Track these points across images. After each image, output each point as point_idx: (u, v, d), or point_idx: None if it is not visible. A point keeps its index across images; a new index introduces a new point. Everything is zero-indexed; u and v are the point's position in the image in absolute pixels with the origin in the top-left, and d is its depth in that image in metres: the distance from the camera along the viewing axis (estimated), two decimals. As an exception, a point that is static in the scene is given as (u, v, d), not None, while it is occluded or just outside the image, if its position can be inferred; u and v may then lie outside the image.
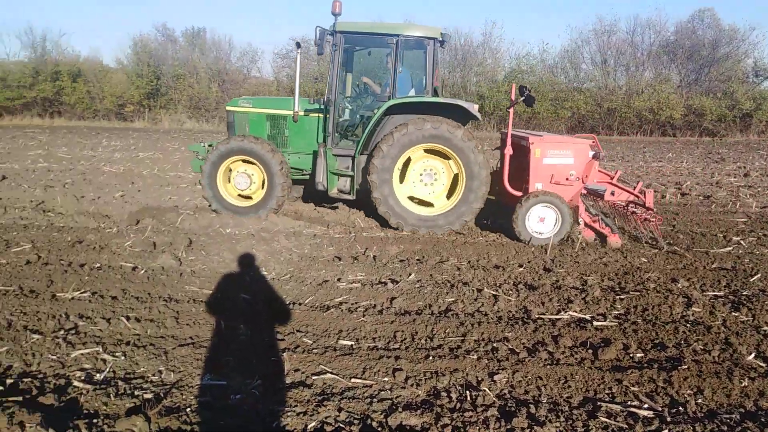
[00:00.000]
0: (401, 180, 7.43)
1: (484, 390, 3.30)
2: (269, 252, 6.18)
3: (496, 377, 3.46)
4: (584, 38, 31.06)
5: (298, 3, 67.09)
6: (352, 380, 3.43)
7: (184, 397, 3.20)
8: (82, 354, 3.68)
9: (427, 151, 7.37)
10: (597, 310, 4.65)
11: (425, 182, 7.48)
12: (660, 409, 3.14)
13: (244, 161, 7.67)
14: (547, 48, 34.21)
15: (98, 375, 3.43)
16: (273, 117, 8.07)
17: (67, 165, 13.05)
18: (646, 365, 3.68)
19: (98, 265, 5.58)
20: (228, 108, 8.48)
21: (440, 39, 7.60)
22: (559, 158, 6.96)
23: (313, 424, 2.95)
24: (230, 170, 7.75)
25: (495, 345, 3.95)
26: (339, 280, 5.38)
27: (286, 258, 6.05)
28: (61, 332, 4.00)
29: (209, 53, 30.01)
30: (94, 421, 2.89)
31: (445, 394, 3.28)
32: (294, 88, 7.64)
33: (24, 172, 11.73)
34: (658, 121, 27.65)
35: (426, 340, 4.05)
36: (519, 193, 7.15)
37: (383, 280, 5.35)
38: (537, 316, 4.51)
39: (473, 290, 5.05)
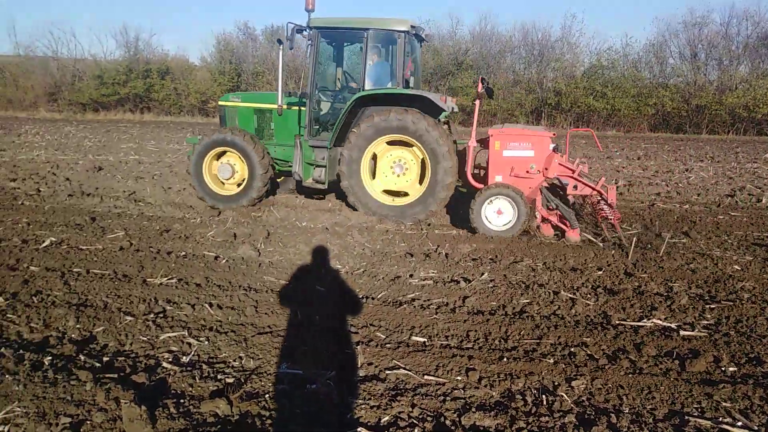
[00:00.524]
0: (373, 176, 7.67)
1: (561, 395, 3.20)
2: (343, 246, 6.28)
3: (573, 383, 3.34)
4: (672, 31, 29.41)
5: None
6: (425, 377, 3.43)
7: (262, 383, 3.32)
8: (169, 337, 3.90)
9: (395, 142, 7.49)
10: (684, 318, 4.39)
11: (397, 173, 7.67)
12: (756, 428, 2.92)
13: (230, 153, 8.07)
14: (630, 42, 32.57)
15: (184, 357, 3.62)
16: (259, 111, 8.50)
17: (155, 158, 13.87)
18: (740, 380, 3.44)
19: (184, 253, 5.88)
20: (220, 103, 8.97)
21: (411, 32, 7.62)
22: (519, 151, 6.92)
23: (387, 418, 2.98)
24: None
25: (572, 350, 3.82)
26: (411, 276, 5.39)
27: (359, 252, 6.13)
28: (151, 315, 4.26)
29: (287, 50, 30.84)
30: (181, 401, 3.06)
31: (520, 397, 3.21)
32: (277, 83, 7.85)
33: (117, 164, 12.58)
34: (753, 119, 25.71)
35: (500, 341, 3.99)
36: (481, 186, 7.11)
37: (455, 279, 5.31)
38: (617, 322, 4.32)
39: (549, 292, 4.91)
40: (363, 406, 3.09)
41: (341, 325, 4.21)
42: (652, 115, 26.62)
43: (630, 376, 3.45)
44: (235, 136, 7.89)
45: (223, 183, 8.22)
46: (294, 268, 5.57)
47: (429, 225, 7.51)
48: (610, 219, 6.64)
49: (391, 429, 2.89)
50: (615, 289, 5.05)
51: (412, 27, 7.63)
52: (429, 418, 2.99)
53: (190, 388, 3.22)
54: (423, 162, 7.45)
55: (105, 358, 3.57)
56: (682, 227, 7.42)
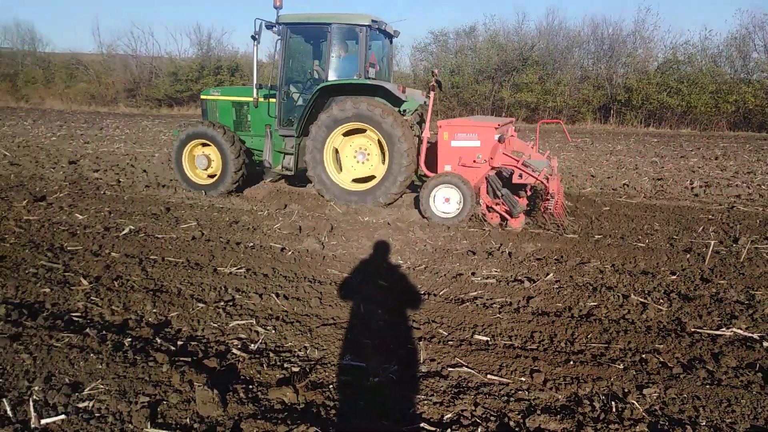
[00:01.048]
0: (340, 169, 8.08)
1: (632, 403, 3.09)
2: (404, 242, 6.30)
3: (645, 391, 3.21)
4: (757, 23, 27.47)
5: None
6: (488, 376, 3.39)
7: (326, 374, 3.39)
8: (238, 324, 4.05)
9: (354, 132, 7.88)
10: None
11: (360, 161, 8.06)
12: None
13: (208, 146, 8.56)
14: (709, 35, 30.75)
15: (252, 345, 3.75)
16: (237, 104, 8.92)
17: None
18: (831, 398, 3.20)
19: (252, 244, 6.08)
20: (202, 97, 9.50)
21: (374, 27, 7.93)
22: (466, 141, 7.21)
23: (450, 415, 2.97)
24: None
25: (644, 356, 3.67)
26: (473, 274, 5.34)
27: (420, 249, 6.13)
28: (221, 303, 4.43)
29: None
30: (250, 387, 3.17)
31: (588, 402, 3.11)
32: (252, 76, 8.30)
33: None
34: None
35: (566, 344, 3.88)
36: (433, 174, 7.43)
37: (519, 278, 5.21)
38: (693, 330, 4.11)
39: (618, 296, 4.72)
40: (425, 402, 3.09)
41: (403, 321, 4.23)
42: (732, 113, 25.00)
43: (707, 387, 3.28)
44: (215, 130, 8.31)
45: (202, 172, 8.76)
46: (356, 261, 5.64)
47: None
48: (550, 209, 6.82)
49: (453, 426, 2.87)
50: (690, 295, 4.81)
51: (374, 22, 7.91)
52: (492, 418, 2.96)
53: (258, 375, 3.33)
54: (381, 145, 7.76)
55: (179, 342, 3.74)
56: (765, 232, 6.96)
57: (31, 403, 2.88)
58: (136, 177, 10.08)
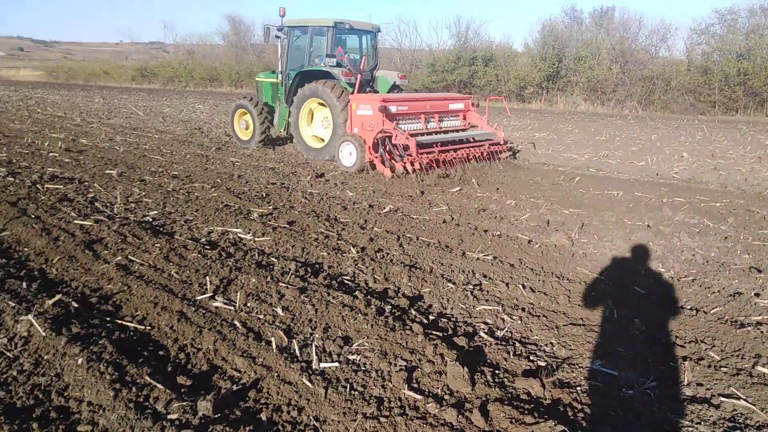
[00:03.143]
0: (309, 124, 10.89)
1: None
2: (667, 248, 5.67)
3: None
4: None
5: (728, -33, 57.56)
6: (775, 418, 2.87)
7: (574, 375, 3.27)
8: (485, 309, 4.15)
9: (323, 104, 10.38)
10: None
11: (325, 126, 10.67)
12: None
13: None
14: None
15: (498, 332, 3.81)
16: (272, 84, 12.03)
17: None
18: None
19: (498, 233, 6.15)
20: (256, 79, 12.86)
21: (340, 27, 10.57)
22: (365, 111, 9.28)
23: (721, 450, 2.61)
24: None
25: None
26: (757, 295, 4.53)
27: (687, 258, 5.43)
28: (469, 286, 4.59)
29: (615, 33, 28.83)
30: (496, 372, 3.23)
31: None
32: (279, 64, 11.59)
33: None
34: None
35: None
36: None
37: (823, 308, 4.25)
38: None
39: None
40: (690, 428, 2.76)
41: (664, 335, 3.83)
42: None
43: None
44: (249, 103, 11.88)
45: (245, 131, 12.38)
46: (609, 263, 5.28)
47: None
48: (396, 160, 8.96)
49: (724, 464, 2.52)
50: None
51: (338, 23, 10.55)
52: (778, 467, 2.50)
53: (504, 362, 3.38)
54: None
55: (431, 317, 4.01)
56: None
57: (313, 348, 3.41)
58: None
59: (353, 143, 9.41)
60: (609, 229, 6.34)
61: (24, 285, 4.25)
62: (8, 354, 3.30)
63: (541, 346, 3.64)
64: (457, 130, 10.53)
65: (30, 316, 3.60)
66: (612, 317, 4.05)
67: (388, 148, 9.08)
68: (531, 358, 3.45)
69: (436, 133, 10.09)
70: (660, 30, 28.15)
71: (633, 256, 5.47)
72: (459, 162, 9.35)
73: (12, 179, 7.98)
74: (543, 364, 3.36)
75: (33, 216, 6.10)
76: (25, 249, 5.20)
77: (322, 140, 10.70)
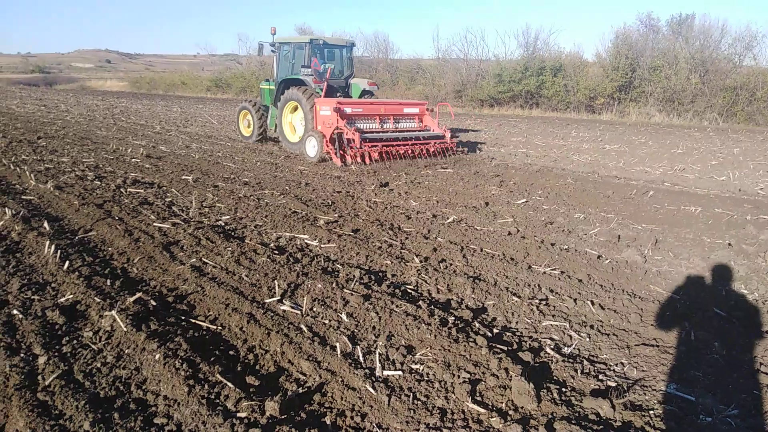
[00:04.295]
0: (294, 131, 12.98)
1: None
2: (752, 269, 5.32)
3: None
4: None
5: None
6: None
7: (647, 397, 3.13)
8: (551, 324, 4.05)
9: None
10: None
11: (303, 125, 12.24)
12: None
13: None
14: None
15: (565, 348, 3.71)
16: (270, 90, 13.97)
17: (541, 152, 14.43)
18: None
19: (566, 247, 5.98)
20: (260, 86, 14.88)
21: (315, 43, 12.83)
22: (326, 111, 11.24)
23: (811, 489, 2.42)
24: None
25: None
26: None
27: (774, 280, 5.09)
28: (535, 300, 4.49)
29: (694, 41, 27.47)
30: (563, 390, 3.15)
31: None
32: (272, 75, 14.08)
33: (507, 156, 13.61)
34: None
35: None
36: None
37: None
38: None
39: None
40: (775, 462, 2.58)
41: (748, 360, 3.60)
42: None
43: None
44: (249, 105, 14.51)
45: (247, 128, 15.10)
46: (686, 282, 5.02)
47: None
48: (346, 152, 11.00)
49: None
50: None
51: (313, 40, 12.83)
52: None
53: (572, 380, 3.29)
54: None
55: (495, 330, 3.95)
56: None
57: (377, 355, 3.44)
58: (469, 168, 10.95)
59: (315, 138, 11.43)
60: (686, 246, 6.04)
61: (108, 282, 4.53)
62: (93, 347, 3.53)
63: (610, 365, 3.50)
64: (413, 131, 12.45)
65: (113, 312, 3.84)
66: (689, 339, 3.85)
67: (342, 143, 11.02)
68: (600, 377, 3.33)
69: (392, 132, 11.94)
70: (745, 37, 26.62)
71: (712, 276, 5.18)
72: (405, 156, 11.45)
73: (99, 183, 8.55)
74: (613, 384, 3.24)
75: (117, 218, 6.50)
76: (110, 248, 5.55)
77: (300, 136, 12.68)
